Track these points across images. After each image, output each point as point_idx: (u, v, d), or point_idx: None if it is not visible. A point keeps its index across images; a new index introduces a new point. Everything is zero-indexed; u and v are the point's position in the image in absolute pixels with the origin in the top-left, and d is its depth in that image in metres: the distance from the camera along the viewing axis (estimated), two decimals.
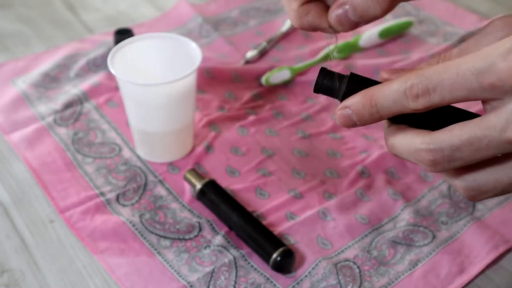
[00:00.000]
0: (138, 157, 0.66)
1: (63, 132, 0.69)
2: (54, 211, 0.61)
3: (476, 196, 0.38)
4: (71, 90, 0.75)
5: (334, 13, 0.41)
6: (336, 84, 0.41)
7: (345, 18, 0.40)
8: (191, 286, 0.53)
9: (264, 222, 0.59)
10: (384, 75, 0.40)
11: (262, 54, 0.83)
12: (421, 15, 0.93)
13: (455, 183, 0.39)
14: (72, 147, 0.67)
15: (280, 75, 0.77)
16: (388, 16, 0.93)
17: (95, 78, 0.76)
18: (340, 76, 0.41)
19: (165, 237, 0.58)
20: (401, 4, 0.95)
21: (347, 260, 0.56)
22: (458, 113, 0.38)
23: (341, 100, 0.41)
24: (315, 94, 0.76)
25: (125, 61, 0.62)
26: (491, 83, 0.34)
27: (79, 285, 0.54)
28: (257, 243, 0.56)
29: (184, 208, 0.61)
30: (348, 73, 0.41)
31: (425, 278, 0.55)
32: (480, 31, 0.40)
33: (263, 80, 0.76)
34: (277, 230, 0.59)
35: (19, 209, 0.61)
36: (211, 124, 0.71)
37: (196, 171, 0.62)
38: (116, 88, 0.75)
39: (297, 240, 0.58)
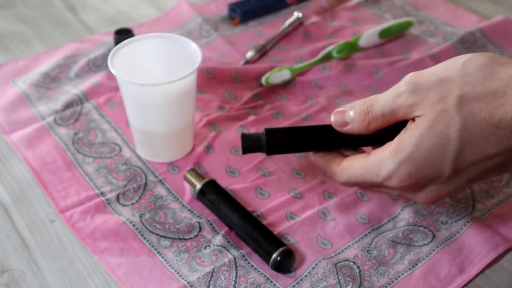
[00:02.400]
0: (138, 157, 0.66)
1: (63, 132, 0.69)
2: (54, 211, 0.61)
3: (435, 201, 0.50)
4: (71, 90, 0.75)
5: None
6: (259, 142, 0.51)
7: None
8: (191, 286, 0.53)
9: (264, 222, 0.59)
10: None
11: (262, 54, 0.83)
12: (421, 16, 0.93)
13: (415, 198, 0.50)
14: (72, 147, 0.67)
15: (280, 75, 0.77)
16: (388, 16, 0.93)
17: (95, 78, 0.76)
18: (257, 135, 0.51)
19: (165, 237, 0.58)
20: (401, 4, 0.96)
21: (347, 260, 0.56)
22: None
23: (267, 153, 0.52)
24: (315, 94, 0.77)
25: (126, 61, 0.62)
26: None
27: (79, 285, 0.54)
28: (257, 243, 0.56)
29: (184, 208, 0.61)
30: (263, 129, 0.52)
31: (425, 278, 0.55)
32: (395, 89, 0.48)
33: (263, 80, 0.76)
34: (277, 230, 0.59)
35: (19, 209, 0.61)
36: (211, 124, 0.71)
37: (196, 171, 0.62)
38: (116, 88, 0.75)
39: (297, 240, 0.58)
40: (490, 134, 0.44)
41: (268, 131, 0.52)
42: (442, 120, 0.45)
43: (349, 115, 0.50)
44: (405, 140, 0.46)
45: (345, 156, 0.53)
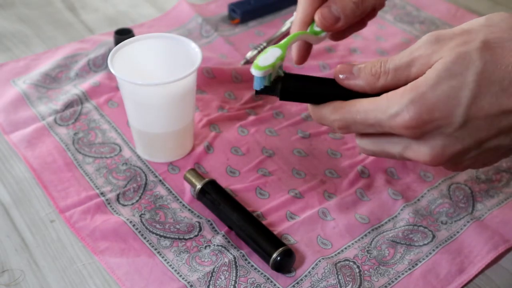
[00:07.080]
0: (138, 157, 0.66)
1: (64, 132, 0.69)
2: (55, 210, 0.61)
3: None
4: (71, 90, 0.75)
5: (319, 10, 0.53)
6: (274, 85, 0.48)
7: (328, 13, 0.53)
8: (191, 286, 0.53)
9: (264, 222, 0.59)
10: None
11: None
12: (422, 16, 0.93)
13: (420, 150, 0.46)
14: (73, 147, 0.67)
15: (270, 55, 0.55)
16: (389, 16, 0.93)
17: (96, 78, 0.77)
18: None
19: (165, 237, 0.58)
20: (402, 4, 0.96)
21: (347, 259, 0.56)
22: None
23: (281, 98, 0.49)
24: None
25: (125, 61, 0.62)
26: (389, 128, 0.45)
27: (79, 285, 0.54)
28: (257, 243, 0.56)
29: (184, 208, 0.61)
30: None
31: (424, 278, 0.55)
32: (412, 46, 0.46)
33: (254, 69, 0.58)
34: (277, 230, 0.59)
35: (20, 209, 0.61)
36: (211, 124, 0.71)
37: (196, 171, 0.62)
38: (116, 88, 0.75)
39: (297, 240, 0.58)
40: (510, 85, 0.42)
41: (286, 75, 0.49)
42: (462, 62, 0.42)
43: (357, 68, 0.47)
44: (420, 81, 0.44)
45: None
